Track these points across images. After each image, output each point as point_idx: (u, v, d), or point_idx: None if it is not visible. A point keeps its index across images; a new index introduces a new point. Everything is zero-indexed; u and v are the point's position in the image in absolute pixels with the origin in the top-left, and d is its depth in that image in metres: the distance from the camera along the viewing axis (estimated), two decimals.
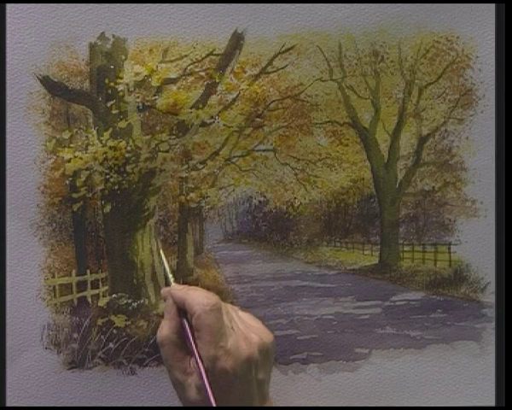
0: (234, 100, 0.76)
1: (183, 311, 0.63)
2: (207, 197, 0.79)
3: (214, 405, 0.58)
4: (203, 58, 0.75)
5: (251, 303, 0.79)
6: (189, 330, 0.62)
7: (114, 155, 0.76)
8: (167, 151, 0.77)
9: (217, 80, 0.76)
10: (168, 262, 0.71)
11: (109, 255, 0.77)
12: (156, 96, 0.76)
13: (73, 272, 0.77)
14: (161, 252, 0.72)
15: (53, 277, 0.77)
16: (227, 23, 0.75)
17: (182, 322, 0.63)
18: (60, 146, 0.75)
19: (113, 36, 0.74)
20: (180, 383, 0.62)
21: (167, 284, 0.68)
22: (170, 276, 0.68)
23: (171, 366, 0.63)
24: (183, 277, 0.79)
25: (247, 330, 0.63)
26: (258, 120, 0.77)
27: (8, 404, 0.76)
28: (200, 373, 0.59)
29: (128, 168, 0.76)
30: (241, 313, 0.66)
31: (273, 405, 0.67)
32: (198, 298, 0.61)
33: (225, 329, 0.61)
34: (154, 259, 0.78)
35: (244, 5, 0.74)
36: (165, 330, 0.63)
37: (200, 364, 0.60)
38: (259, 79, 0.76)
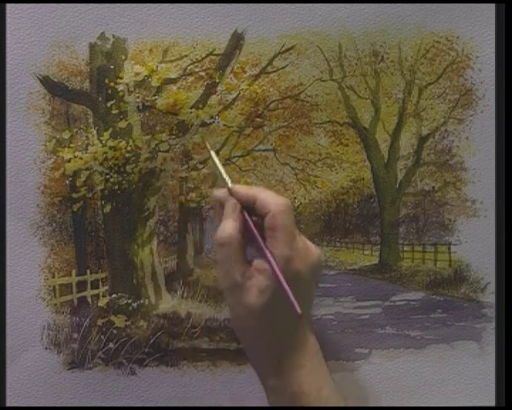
0: (234, 100, 0.76)
1: (247, 210, 0.60)
2: (207, 197, 0.79)
3: (299, 311, 0.55)
4: (203, 58, 0.75)
5: None
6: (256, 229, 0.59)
7: (114, 155, 0.76)
8: (167, 151, 0.77)
9: (217, 80, 0.76)
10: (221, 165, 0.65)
11: (109, 255, 0.77)
12: (156, 96, 0.76)
13: (73, 272, 0.77)
14: (213, 154, 0.66)
15: (53, 277, 0.77)
16: (227, 23, 0.74)
17: (249, 221, 0.60)
18: (60, 146, 0.75)
19: (113, 36, 0.74)
20: (238, 286, 0.59)
21: (224, 184, 0.63)
22: (227, 177, 0.64)
23: (231, 267, 0.59)
24: (183, 277, 0.79)
25: (306, 241, 0.61)
26: (258, 120, 0.77)
27: (8, 404, 0.76)
28: (275, 274, 0.56)
29: (128, 168, 0.76)
30: None
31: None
32: (272, 198, 0.59)
33: (296, 232, 0.59)
34: (154, 259, 0.78)
35: (244, 5, 0.74)
36: (229, 228, 0.60)
37: (273, 263, 0.57)
38: (259, 79, 0.76)
